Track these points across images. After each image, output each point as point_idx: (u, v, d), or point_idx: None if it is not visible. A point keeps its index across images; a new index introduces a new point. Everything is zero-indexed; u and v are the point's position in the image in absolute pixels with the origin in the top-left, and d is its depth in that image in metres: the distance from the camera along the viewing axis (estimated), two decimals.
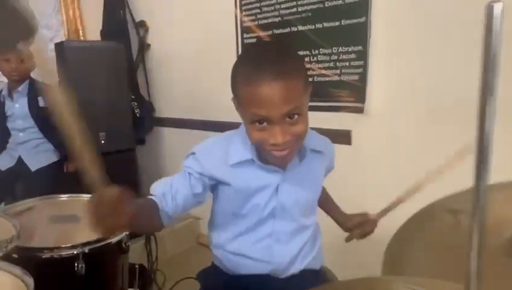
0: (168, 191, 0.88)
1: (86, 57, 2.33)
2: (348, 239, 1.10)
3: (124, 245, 1.24)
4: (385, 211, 1.03)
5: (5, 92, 2.09)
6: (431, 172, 0.91)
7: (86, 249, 1.07)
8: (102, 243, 1.13)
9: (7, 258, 0.88)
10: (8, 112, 2.07)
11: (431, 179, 0.91)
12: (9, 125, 2.09)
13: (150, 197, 0.88)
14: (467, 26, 1.43)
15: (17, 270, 0.74)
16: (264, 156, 0.87)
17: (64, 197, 1.42)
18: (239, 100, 0.82)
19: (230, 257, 0.97)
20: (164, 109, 2.92)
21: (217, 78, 2.49)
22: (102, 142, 2.41)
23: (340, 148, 1.89)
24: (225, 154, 0.89)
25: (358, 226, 1.08)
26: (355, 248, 1.20)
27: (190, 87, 2.65)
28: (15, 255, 0.94)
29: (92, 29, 3.22)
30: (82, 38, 3.40)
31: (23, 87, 2.03)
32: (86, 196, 1.39)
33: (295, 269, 0.97)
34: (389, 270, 0.60)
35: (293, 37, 1.98)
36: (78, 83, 2.29)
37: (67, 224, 1.23)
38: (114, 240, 1.18)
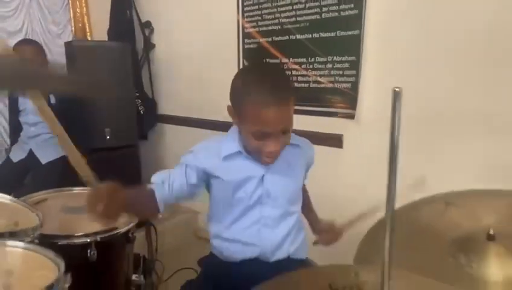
0: (166, 179, 1.04)
1: (93, 56, 2.45)
2: (314, 243, 1.23)
3: (130, 235, 1.36)
4: (350, 224, 1.13)
5: None
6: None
7: (98, 238, 1.20)
8: (112, 233, 1.26)
9: (30, 243, 1.00)
10: (20, 107, 2.19)
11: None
12: (22, 119, 2.21)
13: (149, 185, 1.04)
14: (455, 38, 1.57)
15: (50, 253, 0.87)
16: (255, 156, 1.03)
17: (76, 189, 1.54)
18: (243, 115, 0.98)
19: (226, 244, 1.10)
20: (166, 106, 3.04)
21: (218, 79, 2.60)
22: (108, 137, 2.54)
23: (332, 151, 2.04)
24: (218, 151, 1.05)
25: (323, 233, 1.21)
26: (339, 243, 1.32)
27: (192, 87, 2.77)
28: (36, 241, 1.07)
29: (99, 26, 3.32)
30: (88, 34, 3.50)
31: None
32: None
33: (282, 253, 1.10)
34: (362, 259, 0.74)
35: (292, 44, 2.11)
36: None
37: (80, 214, 1.35)
38: (122, 230, 1.31)
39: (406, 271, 0.54)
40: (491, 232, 0.69)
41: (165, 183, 1.03)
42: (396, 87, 0.37)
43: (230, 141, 1.07)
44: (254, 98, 0.93)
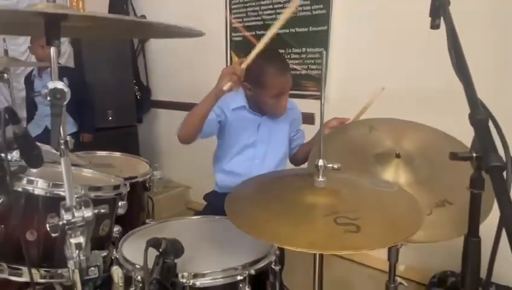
0: None
1: (97, 46, 2.79)
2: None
3: (147, 185, 1.73)
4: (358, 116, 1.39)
5: (35, 72, 2.51)
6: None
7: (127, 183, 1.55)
8: (135, 180, 1.61)
9: None
10: (36, 89, 2.50)
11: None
12: (37, 100, 2.52)
13: None
14: (407, 30, 1.99)
15: None
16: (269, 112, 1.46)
17: (99, 153, 1.89)
18: (264, 84, 1.37)
19: (224, 176, 1.50)
20: (160, 93, 3.39)
21: (206, 67, 2.98)
22: (110, 118, 2.88)
23: (306, 127, 2.45)
24: (230, 103, 1.45)
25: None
26: None
27: (183, 75, 3.13)
28: None
29: None
30: None
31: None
32: (116, 153, 1.89)
33: None
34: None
35: (272, 38, 2.50)
36: (91, 69, 2.76)
37: (107, 169, 1.70)
38: (140, 179, 1.67)
39: None
40: (397, 151, 1.11)
41: None
42: (323, 52, 0.77)
43: (238, 97, 1.47)
44: (274, 70, 1.37)
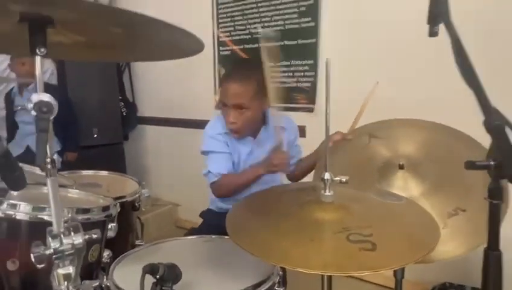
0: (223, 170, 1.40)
1: (81, 63, 2.71)
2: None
3: (136, 204, 1.65)
4: (356, 122, 1.34)
5: (15, 90, 2.42)
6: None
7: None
8: (123, 200, 1.53)
9: None
10: (17, 107, 2.40)
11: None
12: (18, 118, 2.41)
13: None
14: (396, 40, 2.00)
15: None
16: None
17: (85, 172, 1.81)
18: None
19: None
20: (146, 109, 3.32)
21: (194, 83, 2.95)
22: (95, 136, 2.79)
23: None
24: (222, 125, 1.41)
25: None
26: None
27: (170, 90, 3.08)
28: None
29: None
30: None
31: (33, 86, 2.37)
32: (103, 172, 1.81)
33: None
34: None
35: (260, 51, 2.48)
36: (75, 85, 2.68)
37: (93, 189, 1.62)
38: (129, 199, 1.59)
39: None
40: (400, 162, 1.07)
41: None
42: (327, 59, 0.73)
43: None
44: (223, 76, 1.32)
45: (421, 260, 0.80)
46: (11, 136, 2.49)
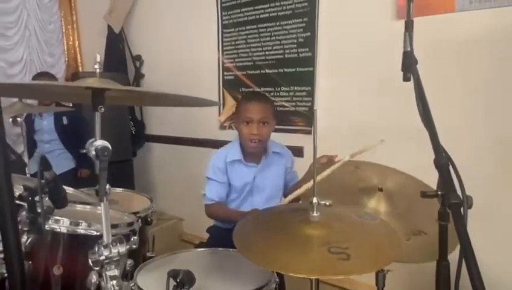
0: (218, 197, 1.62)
1: None
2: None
3: (149, 219, 1.83)
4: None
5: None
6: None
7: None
8: (138, 215, 1.71)
9: None
10: (36, 127, 2.60)
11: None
12: (37, 138, 2.62)
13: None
14: (389, 69, 2.18)
15: None
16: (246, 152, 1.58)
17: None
18: (238, 113, 1.58)
19: None
20: (154, 127, 3.53)
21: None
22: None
23: (296, 160, 2.61)
24: (225, 156, 1.60)
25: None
26: None
27: (176, 110, 3.28)
28: None
29: (90, 57, 3.78)
30: (80, 64, 3.94)
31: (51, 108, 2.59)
32: (118, 189, 1.99)
33: None
34: None
35: (262, 77, 2.70)
36: (89, 107, 2.87)
37: (111, 205, 1.80)
38: (143, 214, 1.77)
39: None
40: (380, 186, 1.26)
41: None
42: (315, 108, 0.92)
43: (234, 150, 1.61)
44: (244, 99, 1.60)
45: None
46: (30, 153, 2.68)
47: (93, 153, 0.76)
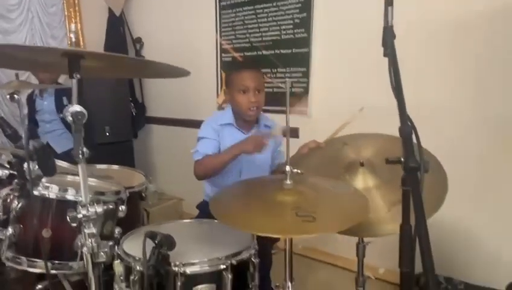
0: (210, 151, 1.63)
1: None
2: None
3: (143, 194, 1.89)
4: (332, 136, 1.45)
5: (37, 92, 2.70)
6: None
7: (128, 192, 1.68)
8: (132, 190, 1.77)
9: None
10: (38, 107, 2.67)
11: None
12: (38, 118, 2.69)
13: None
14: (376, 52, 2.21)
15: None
16: (240, 117, 1.62)
17: (99, 166, 2.05)
18: (233, 84, 1.59)
19: (213, 187, 1.67)
20: (154, 109, 3.58)
21: (197, 87, 3.18)
22: (107, 134, 3.05)
23: (291, 141, 2.64)
24: (218, 119, 1.65)
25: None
26: None
27: (176, 92, 3.33)
28: None
29: (91, 39, 3.82)
30: (82, 47, 3.98)
31: (51, 89, 2.64)
32: (115, 166, 2.05)
33: None
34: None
35: (259, 58, 2.72)
36: (89, 88, 2.93)
37: (106, 180, 1.86)
38: (137, 189, 1.82)
39: None
40: (361, 161, 1.29)
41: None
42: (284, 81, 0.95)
43: (227, 115, 1.65)
44: (238, 70, 1.61)
45: (367, 234, 1.04)
46: (32, 133, 2.76)
47: (70, 118, 0.80)
